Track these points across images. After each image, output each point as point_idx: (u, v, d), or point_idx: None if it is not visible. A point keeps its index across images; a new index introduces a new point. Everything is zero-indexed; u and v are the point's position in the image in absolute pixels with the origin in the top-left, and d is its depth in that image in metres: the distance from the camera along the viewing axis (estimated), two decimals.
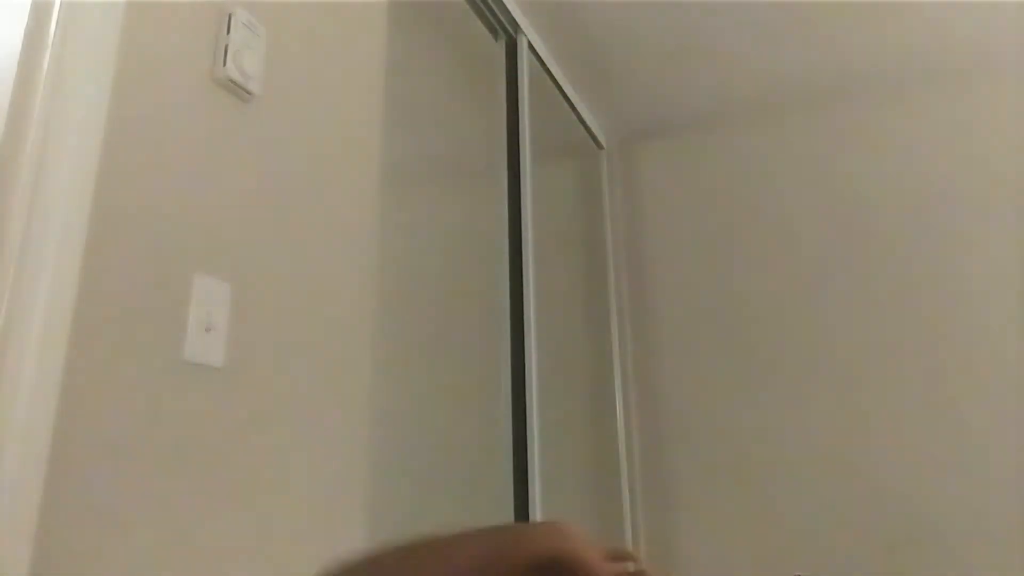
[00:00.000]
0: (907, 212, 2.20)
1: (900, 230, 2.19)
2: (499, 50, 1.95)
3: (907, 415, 2.05)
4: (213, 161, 0.89)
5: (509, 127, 1.90)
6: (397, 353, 1.31)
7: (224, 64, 0.91)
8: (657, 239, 2.47)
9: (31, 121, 0.70)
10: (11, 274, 0.65)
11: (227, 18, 0.94)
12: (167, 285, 0.80)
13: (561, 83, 2.21)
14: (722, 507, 2.17)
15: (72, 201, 0.70)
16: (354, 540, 1.02)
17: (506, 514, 1.59)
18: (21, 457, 0.62)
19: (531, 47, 2.00)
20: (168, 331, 0.80)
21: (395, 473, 1.26)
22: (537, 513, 1.60)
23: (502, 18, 1.90)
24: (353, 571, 0.49)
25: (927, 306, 2.11)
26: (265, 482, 0.89)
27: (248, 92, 0.95)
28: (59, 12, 0.73)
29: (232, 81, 0.92)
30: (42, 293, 0.66)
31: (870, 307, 2.16)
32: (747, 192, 2.40)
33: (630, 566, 0.57)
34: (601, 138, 2.56)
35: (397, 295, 1.33)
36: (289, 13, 1.06)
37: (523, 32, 1.95)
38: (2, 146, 0.69)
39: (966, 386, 2.02)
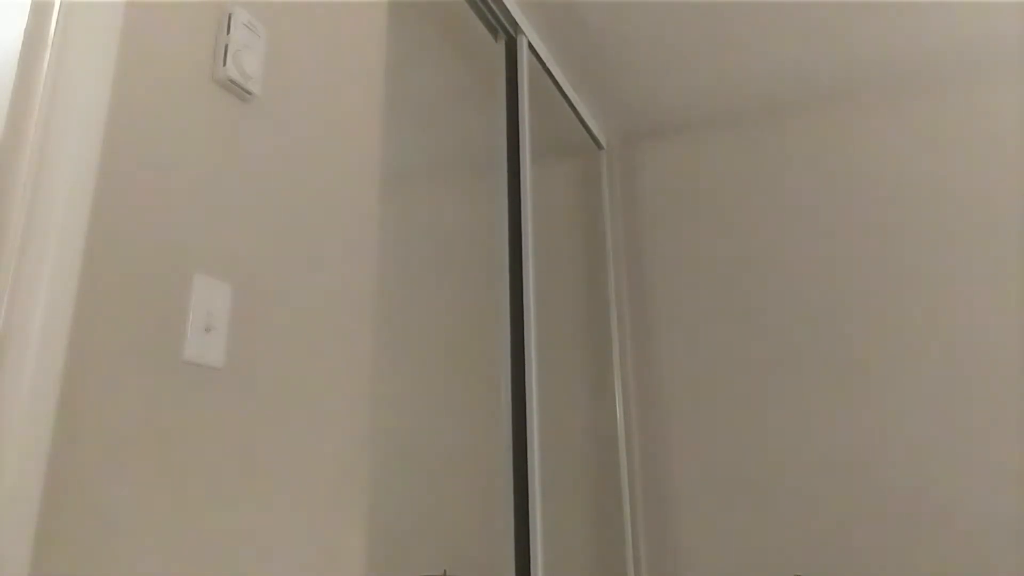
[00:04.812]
0: (909, 211, 2.20)
1: (902, 230, 2.19)
2: (499, 50, 1.95)
3: (908, 413, 2.06)
4: (213, 161, 0.89)
5: (509, 127, 1.90)
6: (397, 352, 1.32)
7: (224, 64, 0.91)
8: (657, 239, 2.47)
9: (31, 121, 0.70)
10: (11, 274, 0.65)
11: (227, 18, 0.94)
12: (167, 285, 0.80)
13: (561, 83, 2.22)
14: (723, 506, 2.17)
15: (72, 201, 0.70)
16: (354, 540, 1.02)
17: (506, 514, 1.59)
18: (21, 457, 0.62)
19: (531, 47, 2.00)
20: (168, 331, 0.80)
21: (395, 472, 1.26)
22: (536, 512, 1.60)
23: (502, 18, 1.90)
24: None
25: (929, 304, 2.11)
26: (265, 482, 0.89)
27: (248, 92, 0.95)
28: (59, 12, 0.73)
29: (232, 81, 0.92)
30: (42, 293, 0.66)
31: (871, 305, 2.17)
32: (747, 192, 2.40)
33: None
34: (601, 138, 2.56)
35: (397, 294, 1.33)
36: (289, 13, 1.06)
37: (523, 32, 1.95)
38: (2, 146, 0.69)
39: (967, 385, 2.02)
